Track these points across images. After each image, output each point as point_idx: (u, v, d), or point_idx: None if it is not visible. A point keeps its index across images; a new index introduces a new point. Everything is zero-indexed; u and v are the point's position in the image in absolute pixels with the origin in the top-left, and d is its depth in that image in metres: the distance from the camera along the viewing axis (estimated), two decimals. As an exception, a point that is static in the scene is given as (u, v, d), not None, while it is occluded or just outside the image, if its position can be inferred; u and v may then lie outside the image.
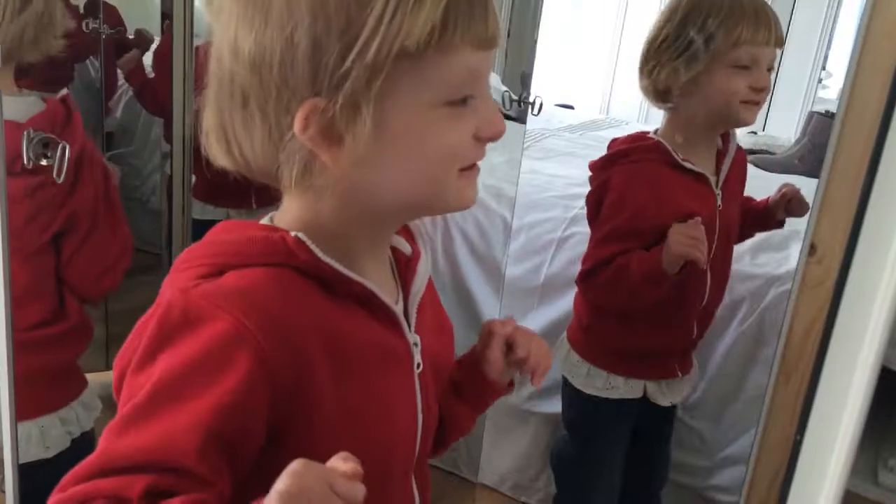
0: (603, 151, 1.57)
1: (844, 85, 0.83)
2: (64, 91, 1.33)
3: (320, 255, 0.66)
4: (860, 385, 0.55)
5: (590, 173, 1.57)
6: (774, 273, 1.88)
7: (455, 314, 2.21)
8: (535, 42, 2.50)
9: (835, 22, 3.67)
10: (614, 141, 1.56)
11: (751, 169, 2.93)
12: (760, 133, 3.44)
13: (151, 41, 2.32)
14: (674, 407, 1.70)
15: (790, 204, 1.60)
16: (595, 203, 1.54)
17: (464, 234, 2.21)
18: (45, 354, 1.34)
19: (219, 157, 0.70)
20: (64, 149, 1.14)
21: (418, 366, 0.76)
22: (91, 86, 2.30)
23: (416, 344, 0.76)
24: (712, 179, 1.50)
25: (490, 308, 2.17)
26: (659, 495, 1.80)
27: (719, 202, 1.50)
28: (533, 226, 2.17)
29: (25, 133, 1.14)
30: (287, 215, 0.70)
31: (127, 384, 0.64)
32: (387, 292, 0.73)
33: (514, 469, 2.17)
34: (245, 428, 0.63)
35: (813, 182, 0.90)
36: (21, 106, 1.22)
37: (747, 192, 2.19)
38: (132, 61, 2.35)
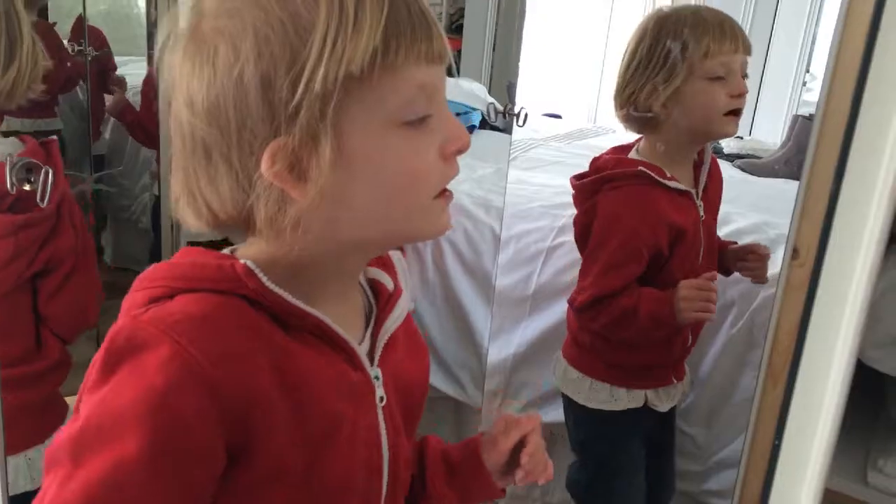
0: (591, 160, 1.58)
1: (822, 88, 0.84)
2: (53, 137, 1.34)
3: (269, 284, 0.65)
4: (836, 385, 0.55)
5: (572, 191, 1.58)
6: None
7: (446, 326, 2.23)
8: (520, 53, 2.51)
9: (817, 24, 3.70)
10: (596, 160, 1.57)
11: (737, 173, 2.97)
12: (746, 137, 3.46)
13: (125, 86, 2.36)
14: (673, 414, 1.71)
15: (756, 262, 1.62)
16: (583, 228, 1.55)
17: (453, 246, 2.21)
18: (26, 390, 1.33)
19: (189, 219, 0.69)
20: (47, 173, 1.13)
21: (381, 399, 0.75)
22: (79, 108, 2.31)
23: (377, 377, 0.74)
24: (693, 192, 1.52)
25: (481, 319, 2.17)
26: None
27: (702, 213, 1.52)
28: (522, 236, 2.17)
29: (8, 158, 1.14)
30: (251, 249, 0.69)
31: (75, 411, 0.63)
32: (350, 324, 0.73)
33: (510, 479, 2.17)
34: (195, 455, 0.61)
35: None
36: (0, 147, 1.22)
37: (735, 196, 2.21)
38: (119, 103, 2.37)
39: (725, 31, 1.43)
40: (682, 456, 1.95)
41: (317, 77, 0.61)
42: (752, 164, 3.06)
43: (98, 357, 0.62)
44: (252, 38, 0.62)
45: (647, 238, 1.45)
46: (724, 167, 3.01)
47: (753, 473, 0.92)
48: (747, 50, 1.47)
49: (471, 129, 2.97)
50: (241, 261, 0.65)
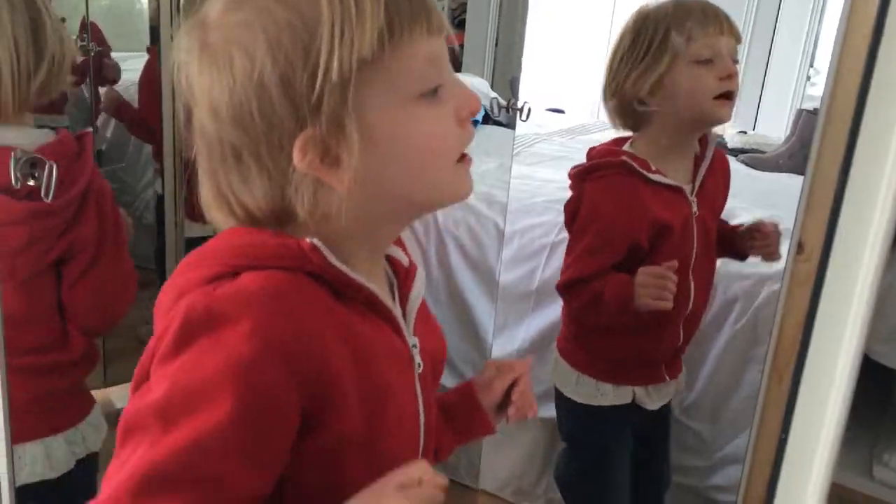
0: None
1: (826, 83, 0.84)
2: (88, 130, 1.35)
3: (333, 260, 0.68)
4: (843, 380, 0.55)
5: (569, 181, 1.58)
6: (766, 272, 1.89)
7: (450, 321, 2.23)
8: (522, 48, 2.50)
9: (821, 18, 3.70)
10: (591, 150, 1.57)
11: (741, 168, 2.96)
12: (750, 132, 3.45)
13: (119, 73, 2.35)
14: (667, 410, 1.70)
15: (763, 240, 1.59)
16: (571, 213, 1.56)
17: (457, 241, 2.21)
18: (45, 379, 1.33)
19: (222, 221, 0.73)
20: (51, 168, 1.14)
21: (419, 366, 0.79)
22: (81, 104, 2.31)
23: (415, 346, 0.79)
24: (687, 188, 1.50)
25: (485, 314, 2.17)
26: (663, 499, 1.80)
27: (695, 209, 1.50)
28: (525, 231, 2.17)
29: (13, 153, 1.14)
30: (297, 231, 0.71)
31: (152, 380, 0.65)
32: (385, 297, 0.76)
33: (515, 474, 2.18)
34: (275, 423, 0.64)
35: (802, 180, 0.91)
36: (32, 136, 1.24)
37: (740, 191, 2.20)
38: (113, 100, 2.37)
39: (708, 15, 1.42)
40: (687, 451, 1.95)
41: (332, 67, 0.64)
42: (756, 158, 3.06)
43: (171, 330, 0.64)
44: (264, 43, 0.65)
45: (624, 229, 1.45)
46: (729, 162, 3.02)
47: (759, 469, 0.92)
48: (734, 35, 1.45)
49: (473, 123, 2.96)
50: (307, 239, 0.68)
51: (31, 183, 1.13)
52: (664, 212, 1.45)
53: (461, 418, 0.94)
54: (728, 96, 1.44)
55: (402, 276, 0.81)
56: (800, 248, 0.84)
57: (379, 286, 0.76)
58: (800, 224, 0.86)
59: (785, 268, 0.89)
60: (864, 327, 0.54)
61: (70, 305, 1.32)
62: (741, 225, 1.65)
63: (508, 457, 2.17)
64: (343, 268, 0.69)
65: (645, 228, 1.45)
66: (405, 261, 0.82)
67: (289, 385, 0.64)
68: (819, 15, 3.69)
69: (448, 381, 2.22)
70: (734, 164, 3.00)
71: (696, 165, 1.53)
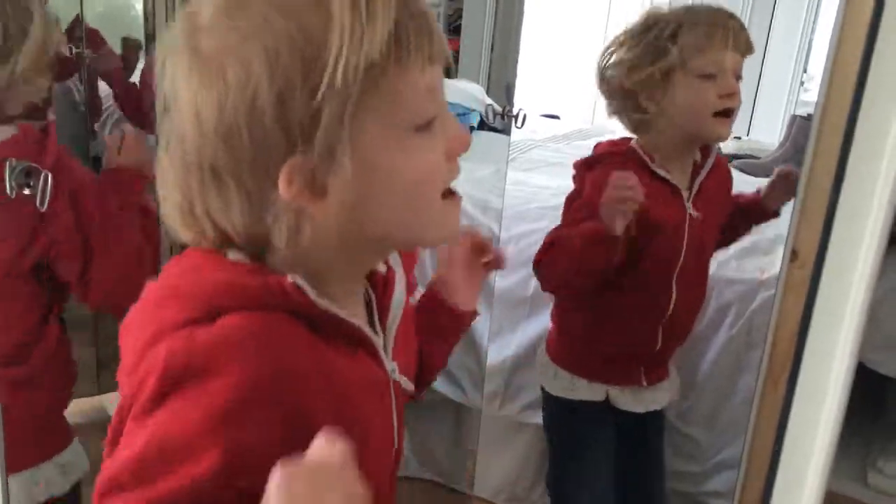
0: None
1: (820, 90, 0.84)
2: (50, 118, 1.30)
3: (314, 297, 0.65)
4: (837, 387, 0.55)
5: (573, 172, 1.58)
6: (761, 277, 1.89)
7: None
8: (518, 54, 2.51)
9: (815, 24, 3.70)
10: (598, 145, 1.58)
11: (736, 174, 2.95)
12: (744, 138, 3.45)
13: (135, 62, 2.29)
14: (658, 417, 1.69)
15: (787, 182, 1.58)
16: (569, 202, 1.55)
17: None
18: (17, 397, 1.25)
19: (188, 238, 0.69)
20: (46, 177, 1.11)
21: (393, 388, 0.78)
22: (76, 109, 2.30)
23: (393, 370, 0.77)
24: (685, 193, 1.50)
25: (480, 321, 2.17)
26: None
27: (690, 212, 1.50)
28: (521, 237, 2.17)
29: (8, 163, 1.11)
30: (274, 258, 0.68)
31: (129, 428, 0.62)
32: (361, 317, 0.74)
33: (510, 480, 2.17)
34: (257, 469, 0.61)
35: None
36: None
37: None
38: (109, 59, 2.27)
39: (717, 27, 1.41)
40: (682, 457, 1.95)
41: (337, 74, 0.60)
42: (749, 164, 3.06)
43: (151, 381, 0.61)
44: (262, 55, 0.60)
45: None
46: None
47: (753, 476, 0.92)
48: (743, 49, 1.44)
49: (469, 129, 2.96)
50: (288, 278, 0.65)
51: (27, 192, 1.11)
52: (659, 210, 1.44)
53: (434, 323, 0.93)
54: (727, 113, 1.43)
55: (380, 288, 0.78)
56: (794, 254, 0.84)
57: (358, 309, 0.74)
58: (793, 231, 0.86)
59: (779, 274, 0.89)
60: (858, 335, 0.54)
61: (91, 299, 1.27)
62: (758, 191, 1.64)
63: (503, 463, 2.17)
64: (324, 305, 0.66)
65: (636, 225, 1.42)
66: (383, 268, 0.79)
67: (272, 430, 0.62)
68: (812, 21, 3.70)
69: (441, 386, 2.23)
70: (728, 169, 3.01)
71: (695, 172, 1.53)
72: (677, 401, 1.97)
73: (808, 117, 2.98)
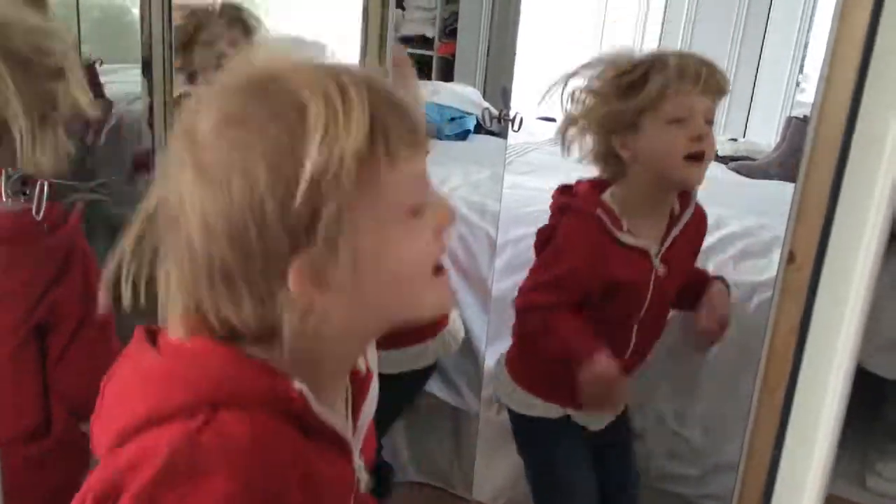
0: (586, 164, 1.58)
1: (817, 91, 0.84)
2: (80, 202, 1.29)
3: (315, 406, 0.69)
4: (836, 391, 0.55)
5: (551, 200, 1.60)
6: (757, 280, 1.89)
7: (442, 332, 2.21)
8: (514, 57, 2.51)
9: (810, 26, 3.71)
10: (578, 183, 1.58)
11: (732, 176, 2.96)
12: (740, 139, 3.46)
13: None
14: (621, 420, 1.69)
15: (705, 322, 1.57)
16: (543, 240, 1.59)
17: (449, 251, 2.21)
18: (32, 475, 1.24)
19: (188, 334, 0.70)
20: (42, 185, 1.11)
21: (360, 485, 0.81)
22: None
23: (360, 468, 0.80)
24: (654, 250, 1.50)
25: (478, 324, 2.17)
26: None
27: (658, 270, 1.50)
28: (518, 240, 2.17)
29: (4, 172, 1.11)
30: (272, 351, 0.70)
31: None
32: (340, 413, 0.77)
33: (509, 485, 2.17)
34: None
35: (793, 187, 0.91)
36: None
37: (730, 199, 2.20)
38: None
39: (686, 71, 1.40)
40: (679, 460, 1.95)
41: (327, 176, 0.63)
42: (746, 166, 3.06)
43: (150, 468, 0.63)
44: (264, 168, 0.64)
45: (581, 280, 1.48)
46: (719, 170, 3.03)
47: (751, 480, 0.91)
48: (715, 92, 1.44)
49: (465, 133, 2.96)
50: (295, 385, 0.68)
51: (22, 199, 1.10)
52: (624, 270, 1.47)
53: None
54: (699, 157, 1.43)
55: (357, 386, 0.81)
56: (791, 257, 0.84)
57: (340, 405, 0.77)
58: (790, 233, 0.86)
59: (776, 277, 0.89)
60: (858, 338, 0.54)
61: (55, 382, 1.24)
62: (720, 278, 1.64)
63: (501, 467, 2.16)
64: (321, 414, 0.70)
65: (599, 286, 1.47)
66: (363, 369, 0.82)
67: None
68: (808, 22, 3.70)
69: (439, 390, 2.22)
70: (724, 172, 3.02)
71: (672, 223, 1.52)
72: (673, 402, 1.97)
73: (804, 118, 2.99)
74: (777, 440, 0.58)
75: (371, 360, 0.85)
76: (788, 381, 0.57)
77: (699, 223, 1.60)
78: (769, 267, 1.93)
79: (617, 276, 1.45)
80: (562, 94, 1.52)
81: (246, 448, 0.64)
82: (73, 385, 1.24)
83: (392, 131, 0.66)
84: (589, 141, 1.51)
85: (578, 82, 1.50)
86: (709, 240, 2.02)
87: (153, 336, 0.73)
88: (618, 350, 1.52)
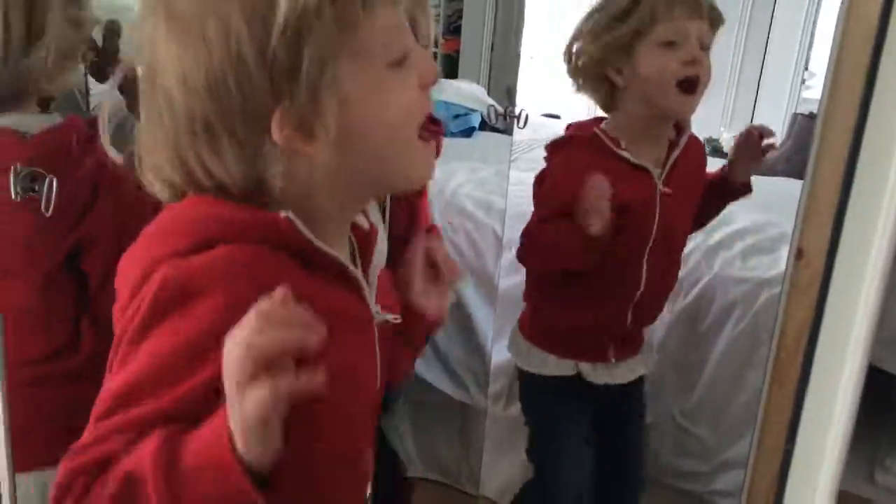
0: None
1: (824, 87, 0.84)
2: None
3: (306, 233, 0.69)
4: (848, 387, 0.55)
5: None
6: (765, 276, 1.89)
7: (449, 327, 2.22)
8: (519, 54, 2.51)
9: (815, 22, 3.70)
10: (569, 125, 1.58)
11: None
12: (746, 135, 3.45)
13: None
14: (636, 391, 1.68)
15: (750, 145, 1.54)
16: (538, 183, 1.56)
17: (455, 248, 2.21)
18: (56, 390, 1.25)
19: (169, 191, 0.72)
20: (51, 182, 1.11)
21: (377, 330, 0.81)
22: (70, 96, 2.28)
23: (377, 312, 0.81)
24: (655, 172, 1.48)
25: (484, 321, 2.17)
26: (636, 493, 1.76)
27: (661, 188, 1.48)
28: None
29: (13, 169, 1.11)
30: (268, 201, 0.71)
31: (123, 352, 0.66)
32: (345, 257, 0.77)
33: (516, 481, 2.17)
34: None
35: (799, 184, 0.91)
36: (34, 121, 1.19)
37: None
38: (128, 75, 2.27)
39: None
40: (688, 456, 1.95)
41: (308, 17, 0.62)
42: (752, 162, 3.06)
43: (143, 306, 0.64)
44: (238, 10, 0.63)
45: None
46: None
47: (761, 476, 0.91)
48: (709, 19, 1.41)
49: (470, 130, 2.96)
50: (281, 214, 0.68)
51: (32, 195, 1.11)
52: (626, 191, 1.42)
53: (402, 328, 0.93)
54: (692, 88, 1.41)
55: (362, 241, 0.82)
56: (799, 253, 0.84)
57: (343, 253, 0.77)
58: (799, 229, 0.86)
59: (784, 273, 0.89)
60: (870, 334, 0.54)
61: (99, 307, 1.22)
62: (724, 166, 1.60)
63: (508, 463, 2.17)
64: (315, 241, 0.70)
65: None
66: (365, 224, 0.83)
67: None
68: (814, 18, 3.69)
69: (446, 386, 2.23)
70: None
71: (671, 150, 1.51)
72: (682, 399, 1.97)
73: (810, 115, 2.99)
74: (789, 436, 0.58)
75: (374, 218, 0.85)
76: (799, 377, 0.57)
77: (699, 152, 1.59)
78: (777, 263, 1.93)
79: (620, 196, 1.40)
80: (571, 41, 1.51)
81: (239, 267, 0.65)
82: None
83: None
84: (585, 73, 1.50)
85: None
86: (716, 236, 2.02)
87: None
88: (630, 284, 1.51)
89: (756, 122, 3.71)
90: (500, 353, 2.13)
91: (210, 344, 0.61)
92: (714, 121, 3.53)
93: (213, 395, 0.61)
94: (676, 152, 1.50)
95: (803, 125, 2.97)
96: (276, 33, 0.63)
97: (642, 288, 1.52)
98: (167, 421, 0.62)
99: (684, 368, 1.96)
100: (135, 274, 0.68)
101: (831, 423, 0.56)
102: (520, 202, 2.25)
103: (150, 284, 0.65)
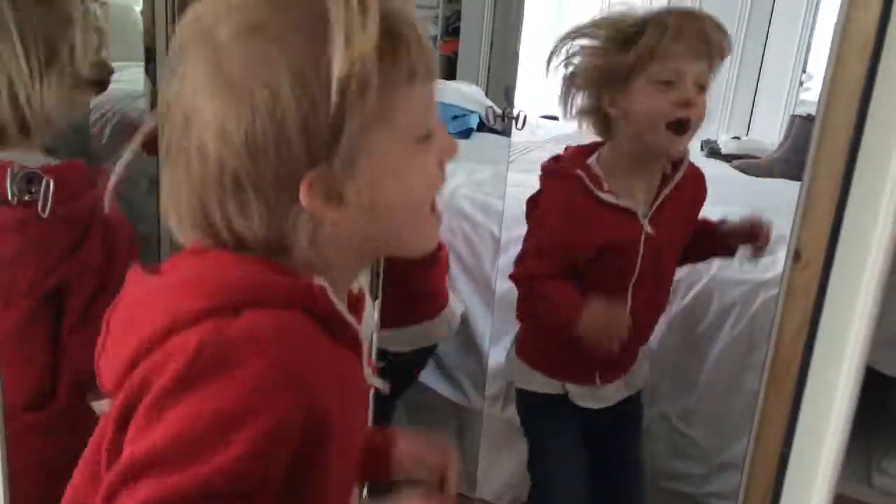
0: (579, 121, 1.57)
1: (823, 90, 0.84)
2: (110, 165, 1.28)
3: (337, 304, 0.70)
4: (846, 390, 0.55)
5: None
6: (762, 278, 1.89)
7: (447, 330, 2.22)
8: (518, 55, 2.50)
9: (813, 24, 3.70)
10: (567, 148, 1.57)
11: (735, 174, 2.96)
12: (744, 138, 3.45)
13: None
14: (628, 407, 1.67)
15: (755, 238, 1.53)
16: (530, 207, 1.58)
17: (453, 249, 2.21)
18: (33, 443, 1.19)
19: (193, 239, 0.72)
20: (48, 183, 1.09)
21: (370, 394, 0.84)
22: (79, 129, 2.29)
23: (369, 374, 0.81)
24: (641, 210, 1.47)
25: (481, 323, 2.17)
26: None
27: (647, 230, 1.47)
28: (522, 239, 2.17)
29: (9, 170, 1.09)
30: (288, 261, 0.71)
31: (145, 416, 0.63)
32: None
33: (512, 483, 2.17)
34: (276, 459, 0.64)
35: (797, 185, 0.91)
36: (36, 161, 1.15)
37: (734, 197, 2.20)
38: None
39: (682, 34, 1.37)
40: (685, 458, 1.95)
41: (350, 92, 0.63)
42: (749, 164, 3.06)
43: (176, 366, 0.62)
44: (289, 80, 0.64)
45: (564, 243, 1.47)
46: (722, 168, 3.02)
47: (758, 478, 0.91)
48: (709, 59, 1.40)
49: (468, 131, 2.96)
50: (315, 281, 0.69)
51: (27, 198, 1.09)
52: (609, 231, 1.45)
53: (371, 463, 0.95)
54: (683, 129, 1.40)
55: (352, 304, 0.82)
56: (797, 256, 0.84)
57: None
58: (796, 232, 0.86)
59: (782, 276, 0.89)
60: (867, 337, 0.54)
61: (69, 349, 1.20)
62: (724, 221, 1.60)
63: (505, 465, 2.16)
64: (342, 310, 0.71)
65: (585, 248, 1.46)
66: (355, 289, 0.84)
67: (295, 418, 0.64)
68: (811, 20, 3.69)
69: (443, 388, 2.22)
70: (728, 169, 3.01)
71: (664, 184, 1.49)
72: (679, 401, 1.97)
73: (808, 117, 2.98)
74: (786, 439, 0.58)
75: (363, 280, 0.89)
76: (797, 379, 0.57)
77: (696, 185, 1.56)
78: (774, 265, 1.92)
79: (601, 236, 1.43)
80: (564, 52, 1.50)
81: (274, 337, 0.65)
82: (87, 353, 1.23)
83: (413, 46, 0.68)
84: (582, 97, 1.50)
85: (581, 41, 1.48)
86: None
87: (152, 270, 0.73)
88: None
89: (754, 123, 3.72)
90: (497, 355, 2.12)
91: (254, 408, 0.61)
92: (712, 122, 3.53)
93: (256, 465, 0.61)
94: (668, 189, 1.49)
95: (801, 127, 2.96)
96: (323, 107, 0.64)
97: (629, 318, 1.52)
98: (208, 491, 0.60)
99: (681, 370, 1.96)
100: (152, 328, 0.66)
101: (828, 425, 0.56)
102: (518, 203, 2.25)
103: (182, 345, 0.63)
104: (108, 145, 2.52)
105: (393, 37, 0.66)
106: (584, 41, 1.47)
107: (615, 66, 1.41)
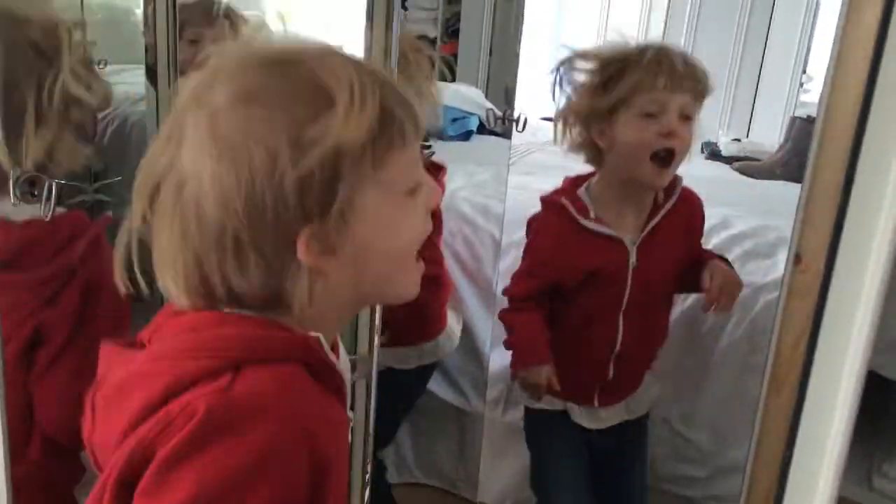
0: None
1: (823, 91, 0.83)
2: (108, 215, 1.27)
3: (329, 354, 0.75)
4: (847, 393, 0.54)
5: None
6: (763, 281, 1.89)
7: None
8: (518, 57, 2.50)
9: (814, 25, 3.70)
10: (566, 179, 1.61)
11: (736, 176, 2.96)
12: (744, 139, 3.45)
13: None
14: (636, 436, 1.69)
15: (718, 291, 1.50)
16: (527, 230, 1.65)
17: (453, 253, 2.21)
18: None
19: (188, 299, 0.72)
20: (51, 186, 1.08)
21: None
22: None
23: (350, 420, 0.88)
24: (628, 238, 1.49)
25: (482, 326, 2.16)
26: None
27: (634, 260, 1.49)
28: (523, 242, 2.16)
29: (12, 171, 1.07)
30: (284, 314, 0.73)
31: (153, 480, 0.64)
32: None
33: (514, 486, 2.17)
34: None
35: (797, 188, 0.90)
36: (25, 211, 1.12)
37: (735, 200, 2.19)
38: None
39: (663, 69, 1.41)
40: (686, 461, 1.94)
41: (345, 159, 0.67)
42: (750, 166, 3.06)
43: (186, 429, 0.63)
44: (286, 144, 0.66)
45: (550, 270, 1.53)
46: (723, 170, 3.02)
47: (759, 482, 0.91)
48: (691, 91, 1.43)
49: (468, 133, 2.96)
50: (312, 335, 0.73)
51: (30, 199, 1.08)
52: (594, 258, 1.48)
53: None
54: (666, 161, 1.42)
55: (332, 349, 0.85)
56: (797, 258, 0.84)
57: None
58: (797, 234, 0.85)
59: (782, 279, 0.88)
60: (869, 340, 0.54)
61: (36, 400, 1.17)
62: (722, 257, 1.61)
63: (506, 469, 2.16)
64: (333, 360, 0.75)
65: (570, 273, 1.50)
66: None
67: (303, 473, 0.67)
68: (812, 22, 3.69)
69: (444, 392, 2.22)
70: (729, 172, 3.01)
71: (652, 215, 1.51)
72: (680, 404, 1.96)
73: (808, 118, 2.98)
74: (788, 442, 0.58)
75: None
76: (798, 382, 0.57)
77: (691, 211, 1.58)
78: (774, 268, 1.92)
79: (586, 264, 1.48)
80: (556, 80, 1.55)
81: (276, 396, 0.67)
82: (54, 405, 1.17)
83: (407, 119, 0.72)
84: (573, 131, 1.54)
85: (576, 69, 1.52)
86: (713, 240, 2.02)
87: (130, 344, 0.75)
88: (607, 340, 1.53)
89: (754, 125, 3.71)
90: (497, 360, 2.12)
91: (265, 467, 0.64)
92: (712, 124, 3.53)
93: None
94: (657, 218, 1.51)
95: (801, 128, 2.96)
96: (318, 168, 0.67)
97: (618, 347, 1.54)
98: None
99: (682, 373, 1.95)
100: (149, 393, 0.67)
101: (830, 429, 0.56)
102: (518, 206, 2.25)
103: (189, 408, 0.64)
104: (109, 148, 2.52)
105: (387, 112, 0.69)
106: (574, 74, 1.52)
107: (601, 104, 1.46)
